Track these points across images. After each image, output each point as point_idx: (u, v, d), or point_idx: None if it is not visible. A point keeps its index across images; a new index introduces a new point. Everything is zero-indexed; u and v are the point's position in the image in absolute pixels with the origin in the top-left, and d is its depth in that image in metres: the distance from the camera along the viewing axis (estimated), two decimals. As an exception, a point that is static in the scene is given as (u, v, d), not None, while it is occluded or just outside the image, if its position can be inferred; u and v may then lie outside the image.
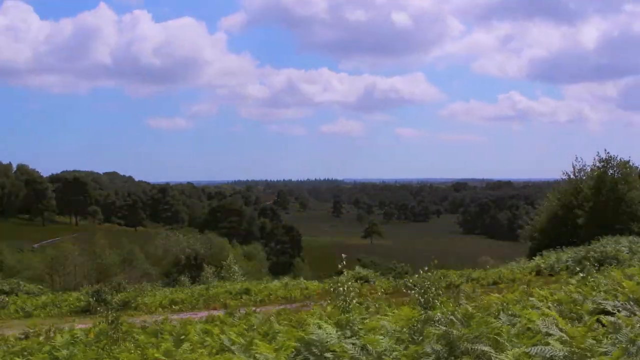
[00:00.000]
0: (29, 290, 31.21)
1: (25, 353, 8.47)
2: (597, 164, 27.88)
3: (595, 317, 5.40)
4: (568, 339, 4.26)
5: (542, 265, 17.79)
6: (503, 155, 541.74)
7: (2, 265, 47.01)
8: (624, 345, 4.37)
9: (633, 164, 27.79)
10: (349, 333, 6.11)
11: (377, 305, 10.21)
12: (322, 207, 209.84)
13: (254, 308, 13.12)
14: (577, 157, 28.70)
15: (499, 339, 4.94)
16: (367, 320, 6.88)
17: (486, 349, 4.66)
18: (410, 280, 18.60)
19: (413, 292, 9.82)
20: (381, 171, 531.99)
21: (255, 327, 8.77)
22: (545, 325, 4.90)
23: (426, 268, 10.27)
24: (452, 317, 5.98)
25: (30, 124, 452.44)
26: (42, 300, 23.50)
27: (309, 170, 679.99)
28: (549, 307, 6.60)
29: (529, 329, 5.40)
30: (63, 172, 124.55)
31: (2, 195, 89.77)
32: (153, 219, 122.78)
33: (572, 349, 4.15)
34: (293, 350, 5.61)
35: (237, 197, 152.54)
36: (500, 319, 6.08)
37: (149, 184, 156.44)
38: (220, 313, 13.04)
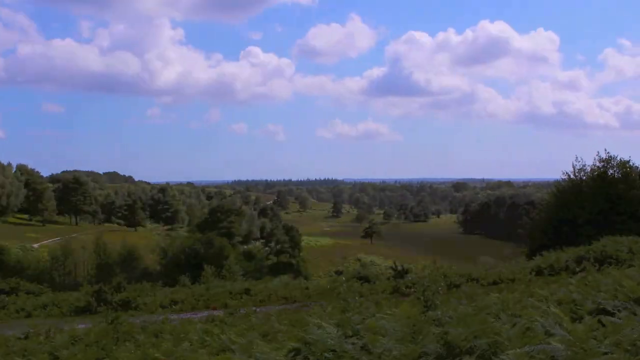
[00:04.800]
0: (29, 290, 31.23)
1: (25, 353, 8.47)
2: (597, 163, 27.87)
3: (597, 318, 5.40)
4: (571, 338, 4.26)
5: (542, 265, 17.75)
6: (503, 155, 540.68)
7: (2, 265, 46.97)
8: (624, 346, 4.37)
9: (633, 164, 27.79)
10: (349, 333, 6.11)
11: (377, 305, 10.21)
12: (322, 207, 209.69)
13: (254, 308, 13.12)
14: (577, 157, 28.71)
15: (499, 338, 4.93)
16: (367, 320, 6.88)
17: (485, 348, 4.66)
18: (410, 280, 18.60)
19: (413, 291, 9.82)
20: (381, 171, 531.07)
21: (255, 327, 8.77)
22: (548, 324, 4.90)
23: (425, 268, 10.26)
24: (451, 316, 5.99)
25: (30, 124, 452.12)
26: (42, 300, 23.49)
27: (309, 170, 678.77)
28: (549, 307, 6.59)
29: (528, 329, 5.39)
30: (63, 172, 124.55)
31: (2, 195, 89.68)
32: (153, 219, 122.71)
33: (574, 349, 4.15)
34: (293, 350, 5.61)
35: (237, 197, 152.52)
36: (500, 319, 6.08)
37: (149, 184, 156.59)
38: (220, 313, 13.04)
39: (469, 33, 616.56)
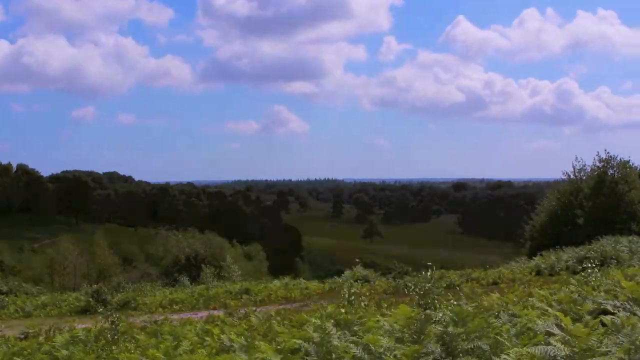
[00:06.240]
0: (28, 290, 31.25)
1: (25, 353, 8.46)
2: (597, 163, 27.88)
3: (597, 318, 5.40)
4: (570, 338, 4.26)
5: (542, 265, 17.77)
6: (503, 156, 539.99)
7: (2, 265, 47.01)
8: (624, 345, 4.37)
9: (633, 164, 27.80)
10: (349, 333, 6.11)
11: (377, 305, 10.21)
12: (322, 207, 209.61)
13: (254, 308, 13.11)
14: (577, 157, 28.73)
15: (499, 338, 4.93)
16: (367, 320, 6.88)
17: (486, 348, 4.66)
18: (410, 280, 18.58)
19: (412, 291, 9.82)
20: (381, 171, 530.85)
21: (255, 327, 8.77)
22: (547, 325, 4.90)
23: (426, 268, 10.26)
24: (451, 316, 5.99)
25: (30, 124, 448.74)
26: (41, 300, 23.50)
27: (309, 170, 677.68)
28: (550, 307, 6.59)
29: (529, 328, 5.40)
30: (63, 172, 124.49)
31: (2, 195, 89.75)
32: (153, 219, 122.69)
33: (574, 349, 4.15)
34: (293, 350, 5.60)
35: (237, 197, 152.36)
36: (500, 318, 6.08)
37: (149, 184, 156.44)
38: (220, 313, 13.04)
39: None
